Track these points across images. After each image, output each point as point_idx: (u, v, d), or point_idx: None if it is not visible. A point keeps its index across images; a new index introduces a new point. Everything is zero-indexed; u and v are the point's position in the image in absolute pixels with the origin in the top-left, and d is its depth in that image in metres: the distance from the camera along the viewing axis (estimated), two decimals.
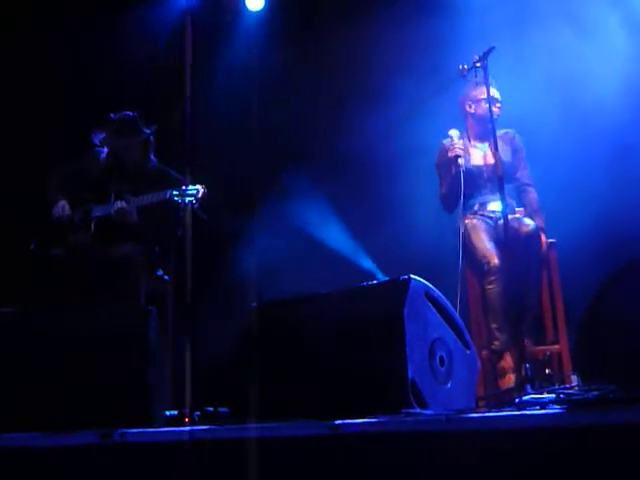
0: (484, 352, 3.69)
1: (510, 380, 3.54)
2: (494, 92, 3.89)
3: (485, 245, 3.79)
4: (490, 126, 3.54)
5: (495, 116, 3.66)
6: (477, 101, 3.98)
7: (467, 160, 3.94)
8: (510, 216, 3.49)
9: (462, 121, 4.12)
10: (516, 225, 3.68)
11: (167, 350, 3.60)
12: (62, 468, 2.27)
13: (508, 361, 3.61)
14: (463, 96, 4.07)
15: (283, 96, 5.13)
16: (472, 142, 4.05)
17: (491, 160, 3.83)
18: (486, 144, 4.00)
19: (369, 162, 4.95)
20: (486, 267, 3.71)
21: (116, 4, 5.24)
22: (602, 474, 1.72)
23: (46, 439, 2.32)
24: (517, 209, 3.95)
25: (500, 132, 3.87)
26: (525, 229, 3.72)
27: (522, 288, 3.59)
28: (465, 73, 3.66)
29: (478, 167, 3.97)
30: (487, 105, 3.65)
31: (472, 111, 4.04)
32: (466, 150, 3.95)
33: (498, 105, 3.94)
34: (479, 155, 4.01)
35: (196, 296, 4.48)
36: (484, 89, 3.62)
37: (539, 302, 3.78)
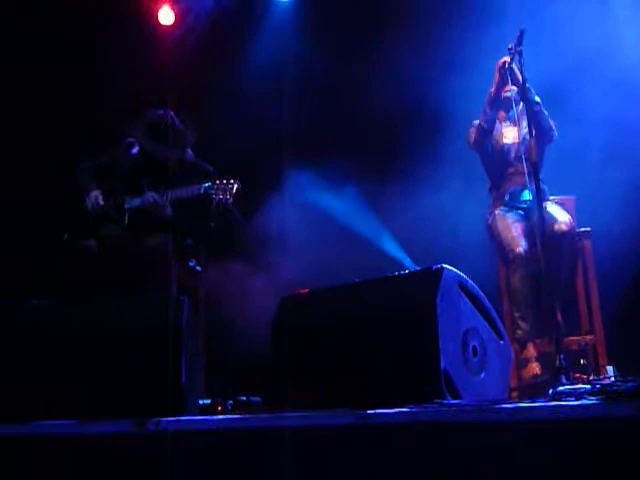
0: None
1: (533, 370, 3.50)
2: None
3: (511, 234, 3.75)
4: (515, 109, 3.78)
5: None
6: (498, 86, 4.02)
7: (499, 137, 4.03)
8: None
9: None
10: (550, 222, 3.60)
11: (199, 340, 3.62)
12: (97, 455, 2.30)
13: (531, 350, 3.57)
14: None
15: (311, 82, 5.11)
16: (502, 123, 4.09)
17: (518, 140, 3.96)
18: (513, 126, 4.02)
19: (400, 148, 4.92)
20: (510, 255, 3.68)
21: None
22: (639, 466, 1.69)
23: (82, 427, 2.35)
24: (550, 197, 3.89)
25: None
26: (558, 228, 3.64)
27: (553, 281, 3.50)
28: (508, 65, 3.66)
29: (508, 145, 4.01)
30: (511, 88, 3.84)
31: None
32: (497, 129, 4.05)
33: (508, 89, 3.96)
34: (510, 134, 4.03)
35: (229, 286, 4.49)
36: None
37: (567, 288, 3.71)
